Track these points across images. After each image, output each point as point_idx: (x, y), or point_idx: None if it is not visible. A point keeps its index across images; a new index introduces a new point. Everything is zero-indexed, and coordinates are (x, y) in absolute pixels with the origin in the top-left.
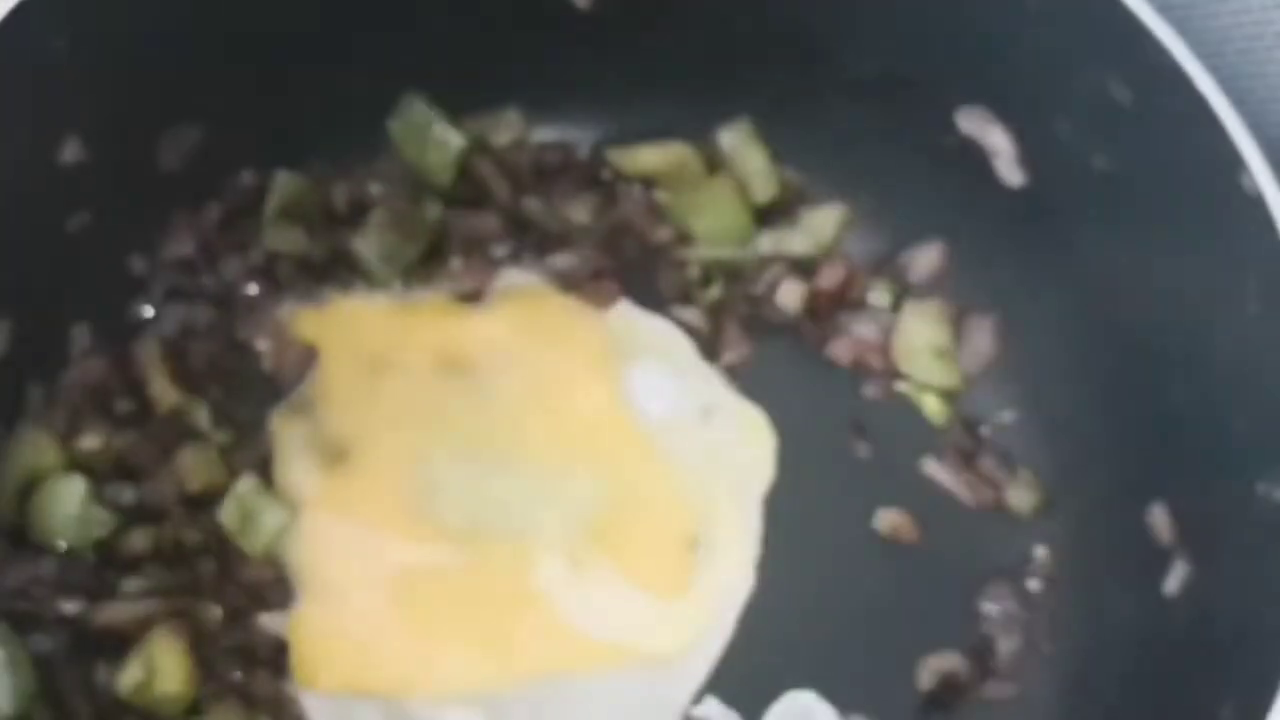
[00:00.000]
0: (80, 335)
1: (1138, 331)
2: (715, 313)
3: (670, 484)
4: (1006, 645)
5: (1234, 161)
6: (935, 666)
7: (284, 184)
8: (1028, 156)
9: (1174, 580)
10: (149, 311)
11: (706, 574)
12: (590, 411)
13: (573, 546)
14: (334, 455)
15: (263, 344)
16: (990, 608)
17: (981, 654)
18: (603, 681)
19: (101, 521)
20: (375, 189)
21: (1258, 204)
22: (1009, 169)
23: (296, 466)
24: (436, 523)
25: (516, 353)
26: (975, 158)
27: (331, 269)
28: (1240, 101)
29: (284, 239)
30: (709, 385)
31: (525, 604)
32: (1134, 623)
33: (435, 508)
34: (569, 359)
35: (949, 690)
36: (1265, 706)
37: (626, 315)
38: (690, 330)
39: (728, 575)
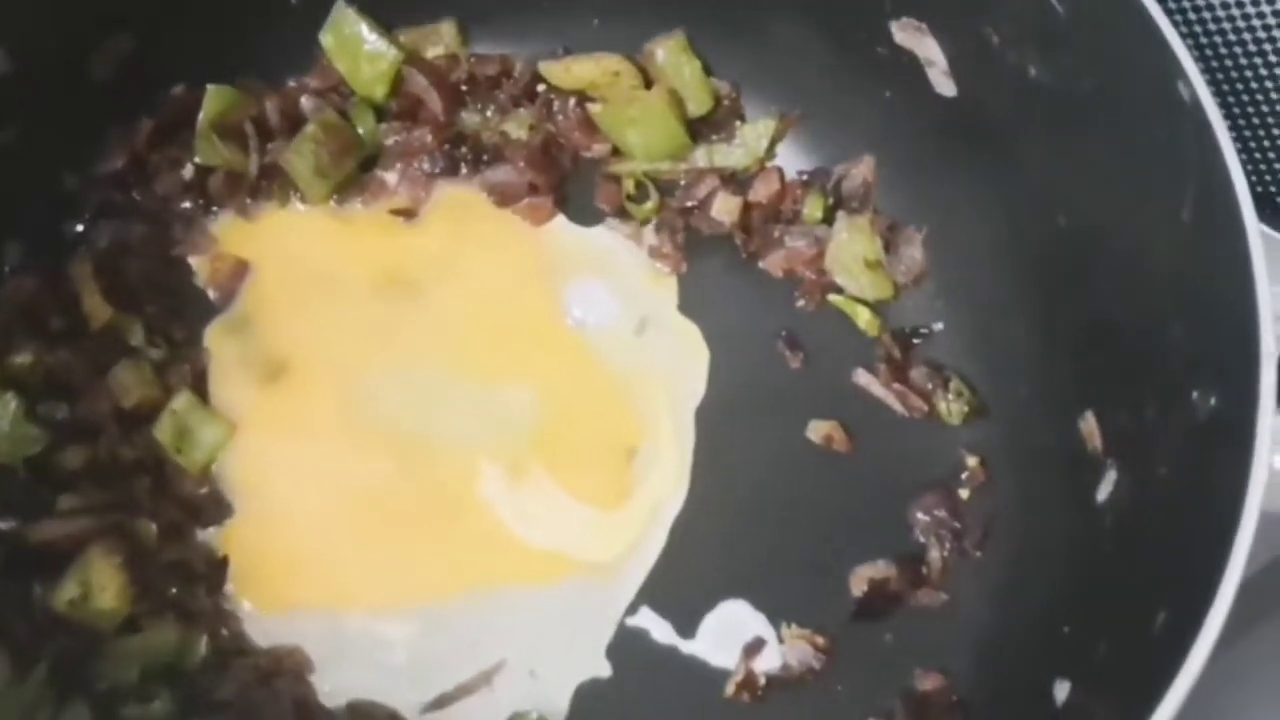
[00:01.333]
0: (11, 252)
1: (1070, 242)
2: (650, 226)
3: (607, 395)
4: (937, 553)
5: (1171, 69)
6: (867, 575)
7: (216, 98)
8: (960, 67)
9: (1105, 488)
10: (81, 228)
11: (643, 485)
12: (528, 324)
13: (513, 458)
14: (270, 371)
15: (196, 260)
16: (921, 517)
17: (912, 562)
18: (539, 592)
19: (34, 438)
20: (308, 103)
21: (1195, 111)
22: (942, 80)
23: (232, 383)
24: (375, 436)
25: (453, 267)
26: (909, 70)
27: (264, 184)
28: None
29: (216, 153)
30: (644, 298)
31: (465, 515)
32: (1065, 531)
33: (373, 422)
34: (506, 273)
35: (880, 598)
36: (1200, 613)
37: (562, 229)
38: (625, 243)
39: (663, 486)
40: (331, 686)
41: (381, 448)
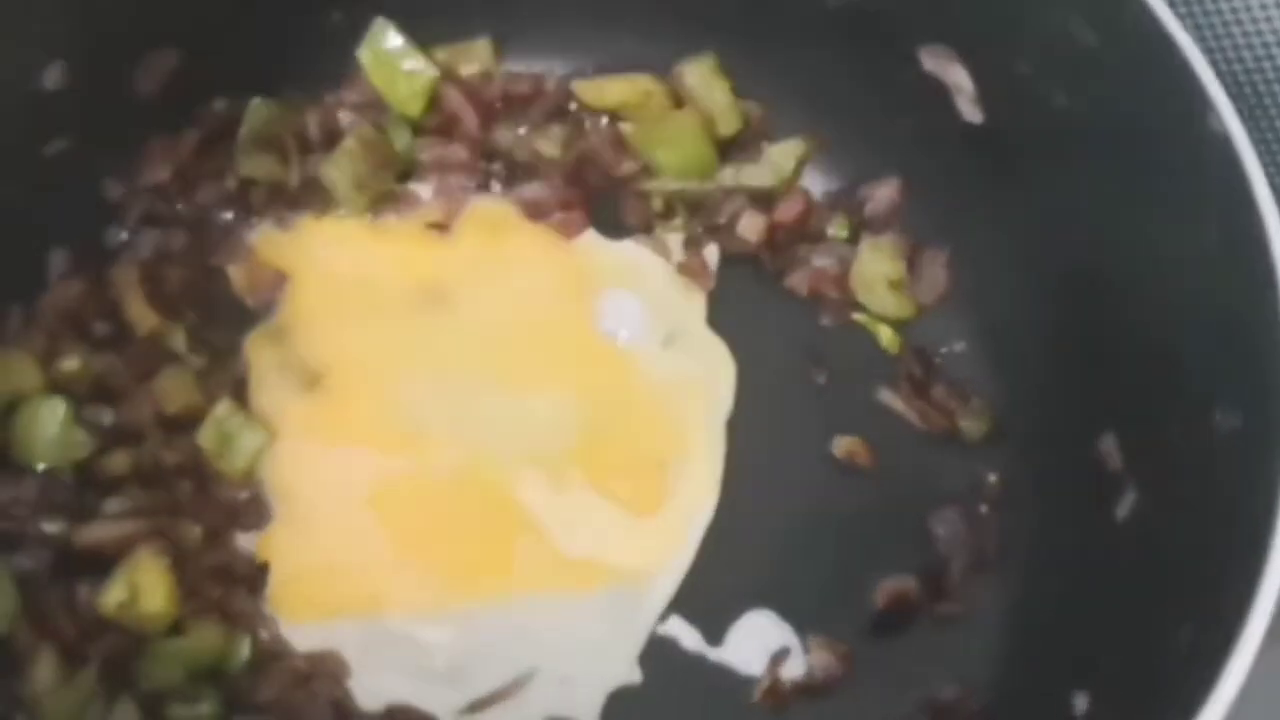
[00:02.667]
0: (58, 259)
1: (1092, 266)
2: (678, 242)
3: (641, 406)
4: (957, 567)
5: (1200, 102)
6: (888, 587)
7: (257, 111)
8: (988, 94)
9: (1125, 506)
10: (125, 236)
11: (676, 494)
12: (560, 335)
13: (549, 466)
14: (308, 379)
15: (234, 269)
16: (942, 531)
17: (933, 575)
18: (574, 599)
19: (81, 443)
20: (346, 117)
21: (1224, 143)
22: (969, 107)
23: (272, 390)
24: (412, 445)
25: (486, 279)
26: (936, 95)
27: (303, 196)
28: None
29: (257, 165)
30: (672, 313)
31: (502, 522)
32: (1084, 546)
33: (411, 429)
34: (539, 286)
35: (901, 609)
36: (1233, 632)
37: (593, 243)
38: (653, 259)
39: (695, 496)
40: (368, 690)
41: (418, 456)
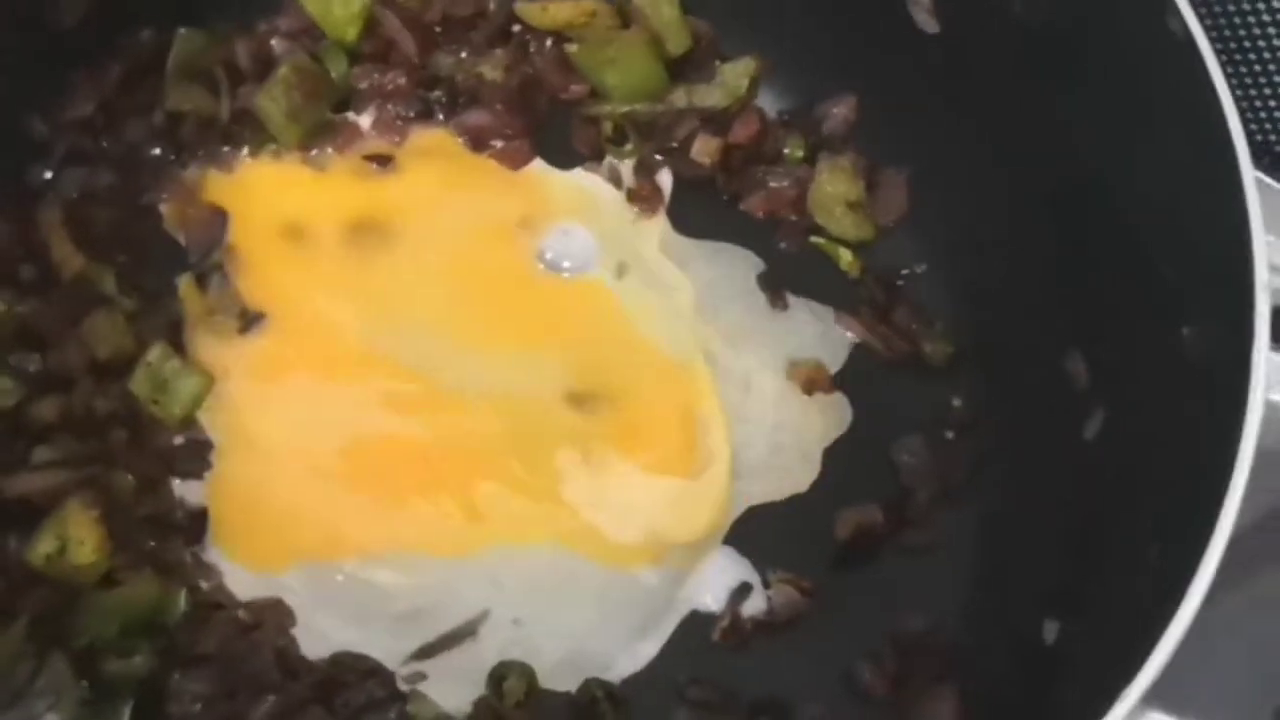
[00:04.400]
0: None
1: (1054, 181)
2: (629, 168)
3: (582, 337)
4: (922, 495)
5: (1159, 3)
6: (851, 518)
7: (185, 41)
8: (945, 4)
9: (1093, 425)
10: (49, 175)
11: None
12: (506, 269)
13: (507, 404)
14: (248, 321)
15: (167, 209)
16: (906, 459)
17: (898, 505)
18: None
19: (6, 390)
20: (279, 45)
21: (1186, 47)
22: (925, 16)
23: (209, 333)
24: (354, 385)
25: (429, 213)
26: (892, 6)
27: (236, 130)
28: None
29: (186, 98)
30: (624, 242)
31: (450, 462)
32: (1053, 470)
33: (354, 370)
34: (483, 218)
35: (866, 541)
36: (1197, 548)
37: (540, 173)
38: (604, 186)
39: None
40: (313, 639)
41: (363, 396)
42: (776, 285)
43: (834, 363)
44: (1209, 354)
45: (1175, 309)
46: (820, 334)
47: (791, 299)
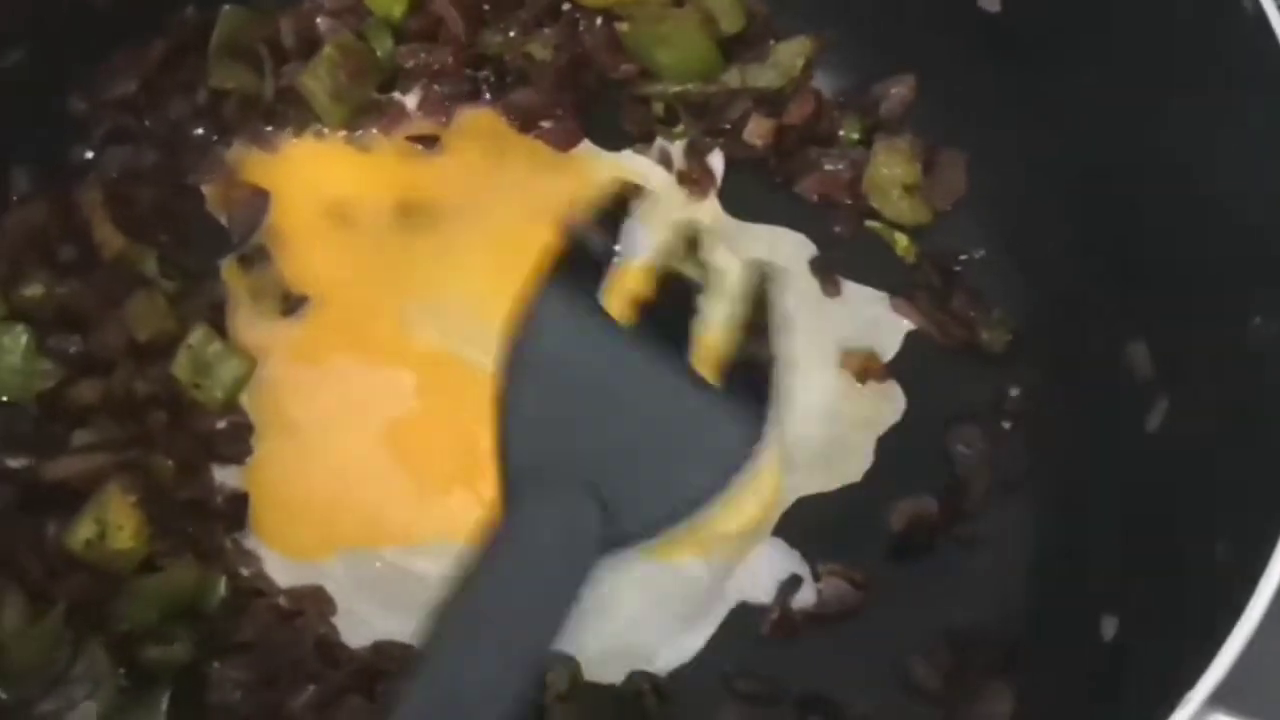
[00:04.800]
0: (19, 178)
1: (1118, 164)
2: (680, 149)
3: None
4: (978, 487)
5: None
6: (905, 509)
7: (229, 18)
8: None
9: (1156, 417)
10: (90, 154)
11: None
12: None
13: None
14: (291, 304)
15: (210, 189)
16: (962, 449)
17: (953, 496)
18: None
19: (46, 373)
20: (324, 23)
21: (1257, 22)
22: None
23: (251, 315)
24: (401, 368)
25: (476, 195)
26: None
27: (280, 109)
28: None
29: (229, 76)
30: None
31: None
32: (1113, 461)
33: (400, 354)
34: (531, 200)
35: (921, 533)
36: (1267, 547)
37: (589, 154)
38: (654, 168)
39: None
40: (355, 627)
41: (408, 380)
42: (829, 270)
43: (888, 350)
44: (1277, 345)
45: (1243, 298)
46: (874, 321)
47: (845, 285)
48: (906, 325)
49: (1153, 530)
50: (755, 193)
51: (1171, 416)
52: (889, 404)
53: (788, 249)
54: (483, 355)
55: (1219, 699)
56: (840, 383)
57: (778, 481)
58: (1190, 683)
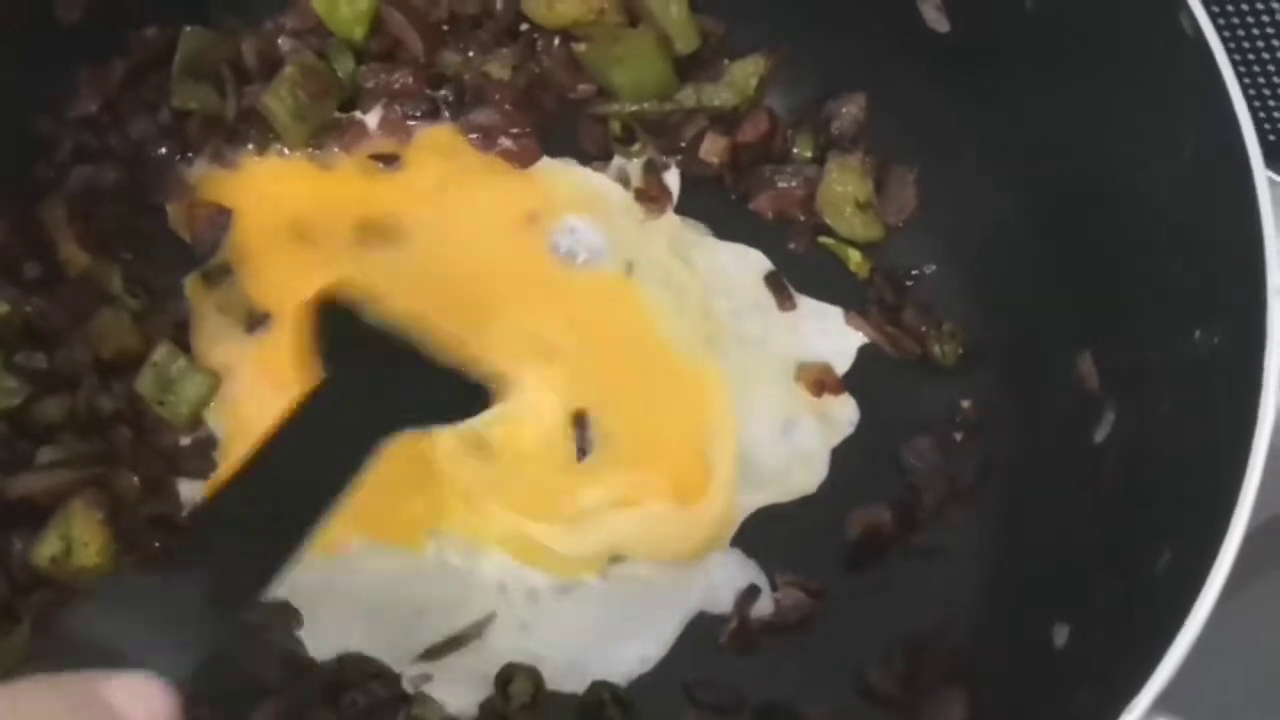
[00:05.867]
0: None
1: (1065, 181)
2: (637, 168)
3: (593, 336)
4: (931, 497)
5: (1171, 2)
6: (860, 519)
7: (191, 39)
8: (954, 1)
9: (1103, 429)
10: (54, 173)
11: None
12: (515, 269)
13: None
14: (254, 320)
15: (173, 208)
16: (914, 461)
17: (907, 507)
18: None
19: (11, 390)
20: (285, 44)
21: (1197, 45)
22: (934, 14)
23: (215, 333)
24: None
25: (437, 212)
26: (901, 5)
27: (241, 128)
28: None
29: (192, 96)
30: (632, 241)
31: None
32: (1062, 473)
33: None
34: (491, 217)
35: (875, 542)
36: (1207, 554)
37: (548, 172)
38: (612, 186)
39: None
40: (319, 640)
41: None
42: (784, 286)
43: (842, 364)
44: (1220, 356)
45: (1186, 311)
46: (828, 335)
47: (800, 299)
48: (860, 339)
49: (1101, 539)
50: (711, 210)
51: (1118, 428)
52: (843, 416)
53: (744, 265)
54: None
55: (1164, 704)
56: (796, 396)
57: (730, 505)
58: (1136, 688)
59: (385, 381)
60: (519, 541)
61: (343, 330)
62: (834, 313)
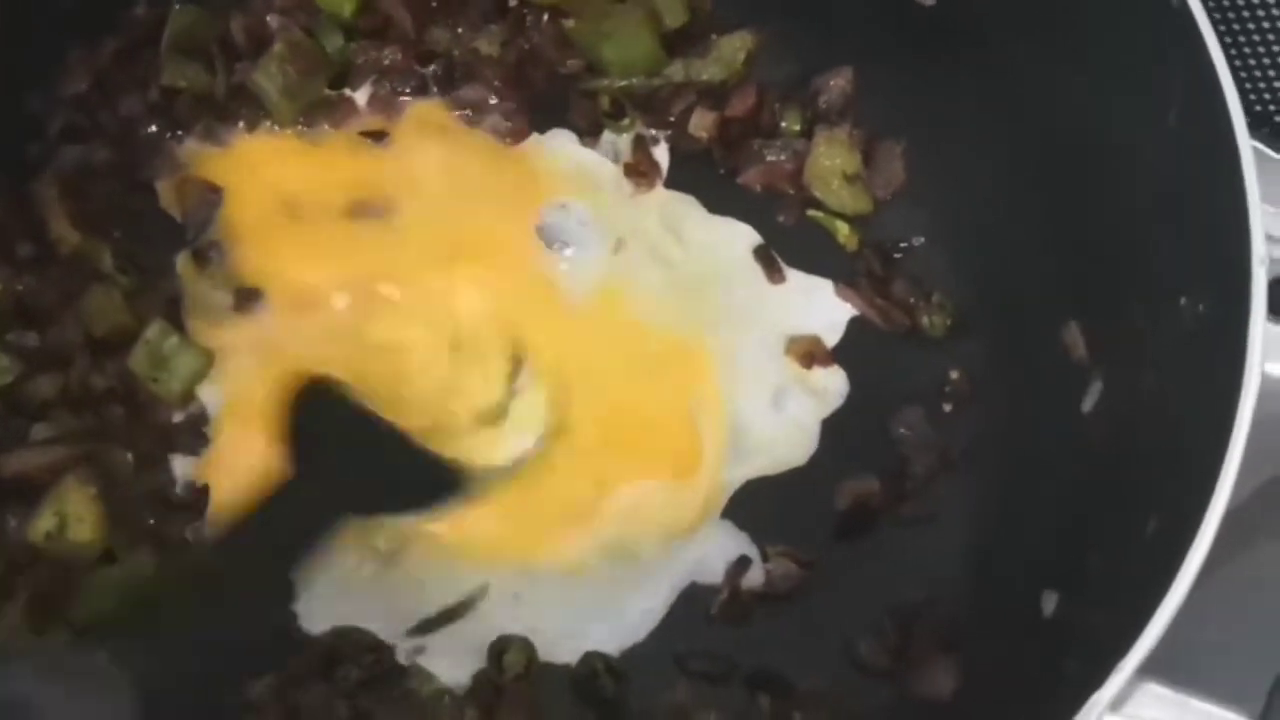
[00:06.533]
0: None
1: (1051, 151)
2: (626, 143)
3: (590, 315)
4: (921, 467)
5: None
6: (850, 490)
7: (180, 17)
8: None
9: (1090, 398)
10: (44, 151)
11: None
12: (503, 245)
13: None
14: (245, 297)
15: (163, 185)
16: (904, 432)
17: (897, 477)
18: None
19: (4, 368)
20: (274, 21)
21: (1182, 15)
22: None
23: (207, 309)
24: (354, 362)
25: (426, 189)
26: None
27: (232, 106)
28: None
29: (182, 74)
30: (621, 216)
31: (452, 439)
32: (1051, 442)
33: (354, 346)
34: (480, 194)
35: (864, 513)
36: (1193, 520)
37: (536, 148)
38: (601, 161)
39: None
40: (313, 613)
41: (357, 375)
42: (774, 259)
43: (832, 336)
44: (1206, 325)
45: (1172, 280)
46: (818, 308)
47: (789, 272)
48: (850, 311)
49: (1088, 508)
50: (701, 184)
51: (1105, 397)
52: (833, 387)
53: (733, 238)
54: (433, 339)
55: (1151, 668)
56: (786, 368)
57: (719, 480)
58: (1123, 653)
59: (356, 468)
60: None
61: (318, 416)
62: (823, 285)
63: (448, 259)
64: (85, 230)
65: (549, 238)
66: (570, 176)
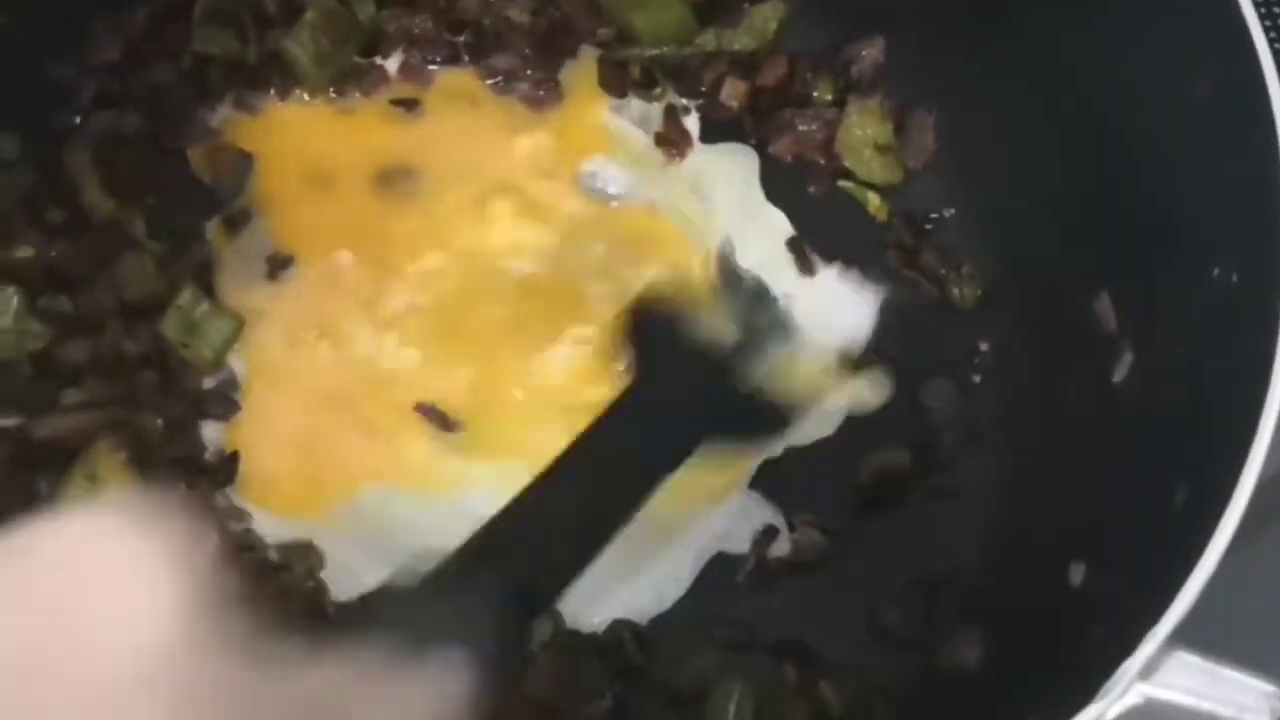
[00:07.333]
0: (7, 144)
1: (1083, 122)
2: (657, 111)
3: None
4: (949, 439)
5: None
6: (878, 461)
7: None
8: None
9: (1121, 369)
10: (76, 119)
11: None
12: (537, 211)
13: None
14: (276, 264)
15: (195, 153)
16: (933, 402)
17: (925, 448)
18: None
19: (37, 333)
20: None
21: None
22: None
23: (238, 276)
24: (389, 328)
25: (457, 157)
26: None
27: (263, 73)
28: None
29: (213, 41)
30: (653, 183)
31: (491, 406)
32: (1081, 413)
33: (387, 313)
34: (511, 161)
35: (892, 483)
36: (1224, 490)
37: (568, 116)
38: (632, 129)
39: None
40: (341, 579)
41: (396, 338)
42: (805, 252)
43: (860, 334)
44: (1238, 294)
45: (1203, 250)
46: (848, 301)
47: (818, 262)
48: (880, 296)
49: (1117, 479)
50: (730, 153)
51: (1136, 368)
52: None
53: (765, 228)
54: (469, 314)
55: (1179, 637)
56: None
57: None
58: (1152, 622)
59: (696, 392)
60: None
61: (656, 339)
62: (850, 275)
63: (480, 223)
64: (117, 197)
65: (592, 187)
66: (600, 145)
